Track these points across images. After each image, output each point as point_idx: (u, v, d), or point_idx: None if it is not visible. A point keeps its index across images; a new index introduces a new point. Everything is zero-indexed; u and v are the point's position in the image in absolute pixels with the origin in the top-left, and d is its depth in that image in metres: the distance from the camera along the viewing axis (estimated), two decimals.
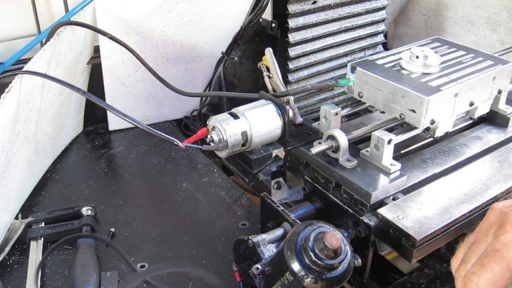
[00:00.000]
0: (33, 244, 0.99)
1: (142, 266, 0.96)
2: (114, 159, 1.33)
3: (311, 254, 0.63)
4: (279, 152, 1.07)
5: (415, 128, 0.84)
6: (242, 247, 0.78)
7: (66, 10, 1.33)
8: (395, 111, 0.82)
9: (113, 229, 1.04)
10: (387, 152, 0.81)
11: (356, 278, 0.84)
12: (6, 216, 1.02)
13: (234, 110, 0.82)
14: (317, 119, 0.93)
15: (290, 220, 0.77)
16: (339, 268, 0.64)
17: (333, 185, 0.83)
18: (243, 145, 0.81)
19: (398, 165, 0.81)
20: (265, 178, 1.22)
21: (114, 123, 1.44)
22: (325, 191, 0.84)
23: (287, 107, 0.83)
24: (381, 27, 1.31)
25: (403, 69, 0.86)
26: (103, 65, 1.34)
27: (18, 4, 1.32)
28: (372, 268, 0.81)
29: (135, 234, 1.05)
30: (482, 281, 0.57)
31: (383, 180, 0.79)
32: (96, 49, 1.34)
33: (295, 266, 0.64)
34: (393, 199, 0.79)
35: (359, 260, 0.74)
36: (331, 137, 0.83)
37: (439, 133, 0.86)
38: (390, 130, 0.86)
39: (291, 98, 0.89)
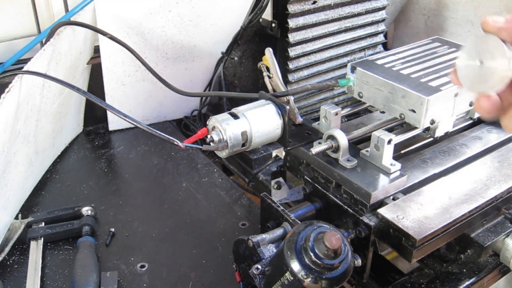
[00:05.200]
0: (33, 244, 0.99)
1: (142, 266, 0.96)
2: (114, 159, 1.33)
3: (311, 254, 0.63)
4: (279, 152, 1.07)
5: (415, 128, 0.84)
6: (242, 247, 0.78)
7: (66, 10, 1.33)
8: (395, 111, 0.82)
9: (113, 229, 1.04)
10: (387, 152, 0.81)
11: (356, 278, 0.84)
12: (6, 216, 1.02)
13: (234, 110, 0.82)
14: (317, 119, 0.93)
15: (290, 220, 0.77)
16: (339, 268, 0.64)
17: (333, 185, 0.83)
18: (243, 145, 0.81)
19: (398, 165, 0.81)
20: (265, 178, 1.22)
21: (114, 123, 1.44)
22: (325, 191, 0.84)
23: (287, 107, 0.83)
24: (381, 27, 1.31)
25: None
26: (103, 65, 1.34)
27: (18, 4, 1.32)
28: (372, 268, 0.81)
29: (135, 234, 1.05)
30: None
31: (383, 180, 0.79)
32: (96, 49, 1.34)
33: (295, 266, 0.64)
34: (393, 199, 0.79)
35: (359, 260, 0.74)
36: (331, 137, 0.83)
37: (439, 133, 0.86)
38: (390, 130, 0.86)
39: (291, 98, 0.89)
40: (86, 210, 1.06)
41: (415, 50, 0.95)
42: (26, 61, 1.02)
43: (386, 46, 1.41)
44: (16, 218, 1.06)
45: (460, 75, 0.52)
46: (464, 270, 0.85)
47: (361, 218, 0.77)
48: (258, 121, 0.81)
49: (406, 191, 0.81)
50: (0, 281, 0.91)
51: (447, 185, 0.81)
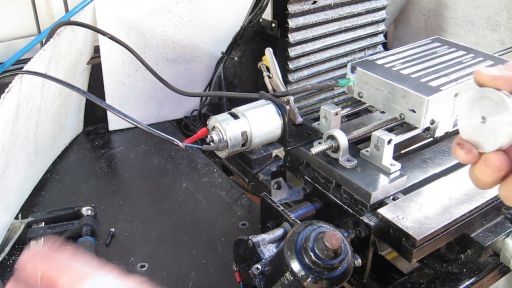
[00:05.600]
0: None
1: (142, 266, 0.96)
2: (114, 159, 1.33)
3: (311, 254, 0.63)
4: (279, 152, 1.07)
5: (415, 128, 0.84)
6: (242, 247, 0.78)
7: (66, 10, 1.33)
8: (395, 111, 0.82)
9: (113, 229, 1.04)
10: (387, 152, 0.81)
11: (356, 278, 0.84)
12: (6, 216, 1.02)
13: (234, 110, 0.82)
14: (317, 119, 0.93)
15: (290, 220, 0.77)
16: (339, 268, 0.64)
17: (333, 185, 0.83)
18: (243, 145, 0.81)
19: (398, 165, 0.81)
20: (265, 178, 1.22)
21: (114, 123, 1.44)
22: (325, 191, 0.84)
23: (287, 107, 0.83)
24: (381, 27, 1.31)
25: None
26: (103, 65, 1.34)
27: (18, 4, 1.32)
28: (372, 268, 0.81)
29: (135, 234, 1.05)
30: None
31: (383, 180, 0.79)
32: (96, 49, 1.34)
33: (295, 266, 0.64)
34: (393, 199, 0.79)
35: (359, 260, 0.74)
36: (331, 137, 0.83)
37: (439, 133, 0.86)
38: (390, 130, 0.86)
39: (291, 98, 0.89)
40: (86, 210, 1.06)
41: (415, 50, 0.95)
42: (26, 61, 1.02)
43: (386, 46, 1.41)
44: (16, 218, 1.06)
45: (465, 136, 0.48)
46: (464, 270, 0.85)
47: (361, 218, 0.77)
48: (258, 121, 0.81)
49: (406, 191, 0.81)
50: (0, 281, 0.91)
51: (447, 185, 0.81)
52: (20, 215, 1.07)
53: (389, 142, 0.80)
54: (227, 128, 0.79)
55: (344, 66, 1.26)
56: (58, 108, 1.22)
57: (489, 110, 0.45)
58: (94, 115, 1.45)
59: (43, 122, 1.15)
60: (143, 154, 1.34)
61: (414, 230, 0.71)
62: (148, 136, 1.39)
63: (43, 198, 1.16)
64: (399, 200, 0.78)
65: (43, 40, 1.16)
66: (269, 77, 0.91)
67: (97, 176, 1.25)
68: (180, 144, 0.77)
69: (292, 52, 1.17)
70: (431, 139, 0.92)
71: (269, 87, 0.92)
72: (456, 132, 0.95)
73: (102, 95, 1.38)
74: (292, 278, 0.65)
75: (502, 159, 0.47)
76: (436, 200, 0.77)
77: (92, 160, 1.32)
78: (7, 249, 0.97)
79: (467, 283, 0.83)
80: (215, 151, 0.81)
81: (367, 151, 0.84)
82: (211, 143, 0.80)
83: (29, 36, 1.33)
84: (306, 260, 0.64)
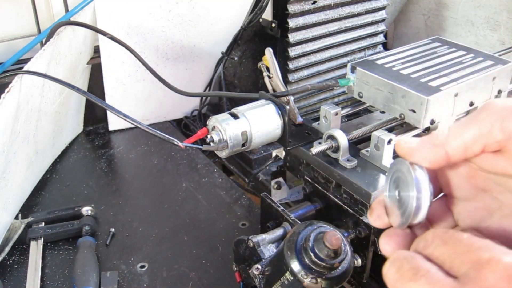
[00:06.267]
0: (33, 244, 0.99)
1: (142, 266, 0.96)
2: (114, 159, 1.33)
3: (311, 254, 0.63)
4: (279, 152, 1.07)
5: (415, 128, 0.84)
6: (242, 247, 0.78)
7: (66, 10, 1.33)
8: (395, 111, 0.82)
9: (113, 229, 1.04)
10: (387, 152, 0.81)
11: (356, 278, 0.84)
12: (6, 216, 1.02)
13: (234, 110, 0.82)
14: (317, 119, 0.93)
15: (290, 220, 0.77)
16: (339, 268, 0.64)
17: (333, 185, 0.83)
18: (243, 145, 0.81)
19: None
20: (265, 178, 1.22)
21: (114, 123, 1.44)
22: (325, 191, 0.84)
23: (287, 107, 0.83)
24: (381, 27, 1.31)
25: None
26: (103, 65, 1.34)
27: (18, 4, 1.32)
28: (372, 268, 0.81)
29: (135, 234, 1.05)
30: None
31: (383, 180, 0.79)
32: (96, 49, 1.34)
33: (295, 266, 0.64)
34: None
35: (359, 260, 0.74)
36: (331, 137, 0.83)
37: None
38: (390, 130, 0.86)
39: (291, 98, 0.89)
40: (86, 210, 1.06)
41: (415, 50, 0.95)
42: (26, 61, 1.02)
43: (386, 46, 1.41)
44: (16, 218, 1.06)
45: (388, 210, 0.43)
46: None
47: (361, 218, 0.77)
48: (258, 121, 0.81)
49: None
50: (0, 281, 0.91)
51: None
52: (20, 215, 1.07)
53: (389, 142, 0.80)
54: (227, 128, 0.79)
55: (344, 66, 1.26)
56: (58, 108, 1.22)
57: (402, 184, 0.42)
58: (94, 115, 1.45)
59: (43, 122, 1.15)
60: (143, 154, 1.34)
61: None
62: (148, 136, 1.40)
63: (43, 198, 1.16)
64: None
65: (43, 40, 1.17)
66: (269, 77, 0.91)
67: (97, 176, 1.25)
68: (180, 144, 0.77)
69: (292, 52, 1.17)
70: None
71: (269, 87, 0.92)
72: None
73: (102, 95, 1.38)
74: (292, 278, 0.65)
75: (399, 241, 0.41)
76: None
77: (92, 160, 1.32)
78: (7, 249, 0.97)
79: None
80: (215, 151, 0.81)
81: (367, 151, 0.84)
82: (211, 143, 0.80)
83: (29, 36, 1.33)
84: (306, 260, 0.64)
